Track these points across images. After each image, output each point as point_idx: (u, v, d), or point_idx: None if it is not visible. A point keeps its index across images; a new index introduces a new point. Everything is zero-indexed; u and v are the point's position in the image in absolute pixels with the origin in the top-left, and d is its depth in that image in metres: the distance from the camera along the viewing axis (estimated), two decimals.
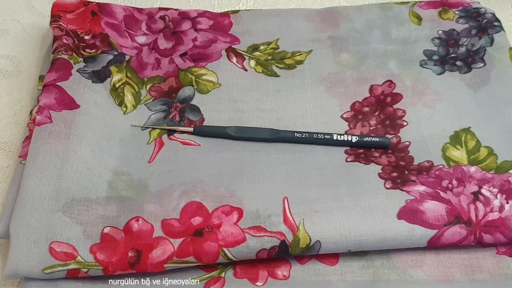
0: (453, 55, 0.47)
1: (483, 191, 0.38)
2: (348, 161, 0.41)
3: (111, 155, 0.40)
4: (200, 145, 0.41)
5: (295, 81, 0.45)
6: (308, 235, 0.35)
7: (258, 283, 0.36)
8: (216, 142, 0.42)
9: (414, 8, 0.50)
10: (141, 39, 0.47)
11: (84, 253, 0.34)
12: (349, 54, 0.47)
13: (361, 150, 0.42)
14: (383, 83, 0.45)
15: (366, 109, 0.44)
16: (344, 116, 0.44)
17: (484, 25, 0.48)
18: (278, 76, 0.46)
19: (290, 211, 0.36)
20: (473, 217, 0.37)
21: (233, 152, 0.41)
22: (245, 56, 0.47)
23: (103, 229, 0.35)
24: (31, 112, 0.42)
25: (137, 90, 0.44)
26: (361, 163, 0.41)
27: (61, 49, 0.43)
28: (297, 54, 0.47)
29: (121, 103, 0.43)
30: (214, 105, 0.44)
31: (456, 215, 0.37)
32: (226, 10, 0.54)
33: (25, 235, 0.34)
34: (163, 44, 0.47)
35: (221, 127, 0.42)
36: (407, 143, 0.42)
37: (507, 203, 0.37)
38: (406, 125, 0.43)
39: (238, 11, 0.50)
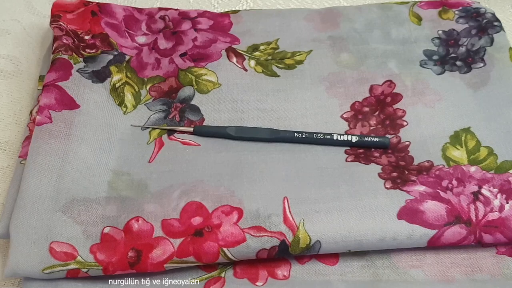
0: (453, 55, 0.47)
1: (483, 191, 0.38)
2: (348, 161, 0.41)
3: (111, 155, 0.40)
4: (200, 145, 0.41)
5: (295, 81, 0.45)
6: (308, 235, 0.35)
7: (258, 283, 0.36)
8: (216, 142, 0.42)
9: (414, 8, 0.50)
10: (141, 39, 0.47)
11: (84, 253, 0.34)
12: (349, 54, 0.47)
13: (361, 150, 0.42)
14: (383, 83, 0.45)
15: (366, 109, 0.44)
16: (344, 116, 0.44)
17: (484, 25, 0.48)
18: (278, 76, 0.46)
19: (290, 211, 0.36)
20: (473, 217, 0.37)
21: (233, 152, 0.41)
22: (245, 56, 0.47)
23: (103, 229, 0.35)
24: (31, 112, 0.42)
25: (137, 90, 0.44)
26: (361, 163, 0.41)
27: (61, 49, 0.43)
28: (297, 54, 0.47)
29: (121, 103, 0.43)
30: (214, 105, 0.44)
31: (456, 215, 0.37)
32: (226, 10, 0.54)
33: (25, 235, 0.34)
34: (163, 44, 0.47)
35: (221, 127, 0.42)
36: (407, 143, 0.42)
37: (507, 203, 0.37)
38: (406, 125, 0.43)
39: (238, 11, 0.50)
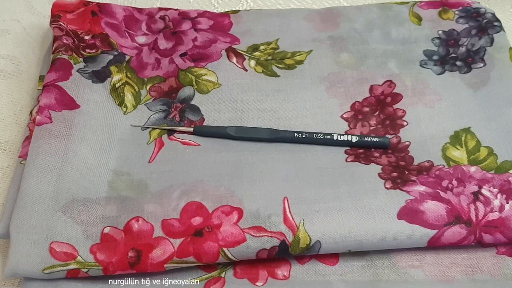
0: (453, 55, 0.47)
1: (483, 191, 0.38)
2: (348, 161, 0.41)
3: (111, 155, 0.40)
4: (200, 145, 0.41)
5: (295, 81, 0.45)
6: (308, 235, 0.35)
7: (258, 283, 0.36)
8: (216, 142, 0.42)
9: (414, 8, 0.50)
10: (141, 39, 0.47)
11: (84, 253, 0.34)
12: (349, 54, 0.47)
13: (361, 150, 0.42)
14: (383, 83, 0.45)
15: (366, 109, 0.44)
16: (344, 116, 0.44)
17: (484, 25, 0.48)
18: (278, 76, 0.46)
19: (290, 211, 0.36)
20: (473, 217, 0.37)
21: (233, 152, 0.41)
22: (245, 56, 0.47)
23: (103, 229, 0.35)
24: (31, 112, 0.42)
25: (137, 90, 0.44)
26: (361, 163, 0.41)
27: (61, 49, 0.43)
28: (297, 54, 0.47)
29: (121, 103, 0.43)
30: (214, 105, 0.44)
31: (456, 215, 0.37)
32: (226, 10, 0.54)
33: (25, 235, 0.34)
34: (163, 44, 0.47)
35: (221, 127, 0.42)
36: (407, 143, 0.42)
37: (507, 203, 0.37)
38: (406, 125, 0.43)
39: (238, 11, 0.50)
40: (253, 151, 0.41)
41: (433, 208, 0.37)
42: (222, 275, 0.37)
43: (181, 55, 0.46)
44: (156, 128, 0.42)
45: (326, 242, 0.35)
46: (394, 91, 0.45)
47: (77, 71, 0.42)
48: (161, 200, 0.37)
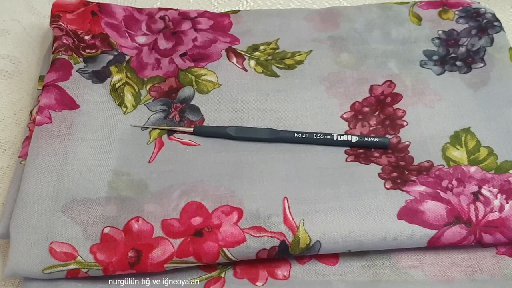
0: (453, 55, 0.47)
1: (483, 191, 0.38)
2: (348, 161, 0.41)
3: (111, 155, 0.40)
4: (200, 145, 0.41)
5: (295, 81, 0.45)
6: (308, 235, 0.35)
7: (258, 283, 0.36)
8: (216, 142, 0.42)
9: (414, 8, 0.50)
10: (141, 39, 0.47)
11: (84, 253, 0.34)
12: (349, 54, 0.47)
13: (361, 150, 0.42)
14: (383, 83, 0.45)
15: (366, 109, 0.44)
16: (344, 116, 0.44)
17: (484, 25, 0.48)
18: (278, 76, 0.46)
19: (290, 211, 0.36)
20: (473, 217, 0.37)
21: (233, 152, 0.41)
22: (245, 56, 0.47)
23: (103, 229, 0.35)
24: (31, 112, 0.42)
25: (137, 90, 0.44)
26: (361, 163, 0.41)
27: (61, 49, 0.43)
28: (297, 54, 0.47)
29: (121, 103, 0.43)
30: (214, 105, 0.44)
31: (456, 215, 0.37)
32: (226, 10, 0.54)
33: (25, 235, 0.34)
34: (163, 44, 0.47)
35: (221, 127, 0.42)
36: (407, 143, 0.42)
37: (507, 203, 0.37)
38: (406, 125, 0.43)
39: (238, 11, 0.50)
40: (253, 151, 0.41)
41: (433, 208, 0.37)
42: (222, 275, 0.37)
43: (181, 55, 0.46)
44: (156, 128, 0.42)
45: (326, 242, 0.35)
46: (394, 91, 0.45)
47: (77, 71, 0.42)
48: (161, 200, 0.37)
